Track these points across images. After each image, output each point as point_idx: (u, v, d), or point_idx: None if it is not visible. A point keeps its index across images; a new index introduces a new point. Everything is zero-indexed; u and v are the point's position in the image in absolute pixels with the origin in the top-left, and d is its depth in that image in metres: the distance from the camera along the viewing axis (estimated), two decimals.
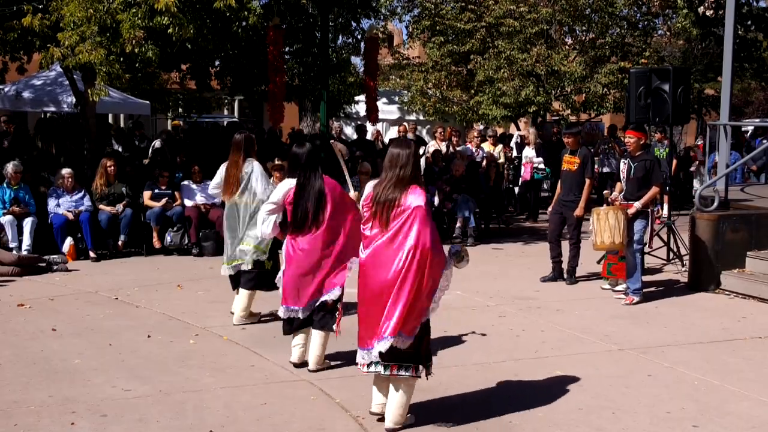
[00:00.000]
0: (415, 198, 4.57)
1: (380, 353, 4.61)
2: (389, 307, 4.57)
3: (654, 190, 8.28)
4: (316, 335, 5.81)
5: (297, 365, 5.89)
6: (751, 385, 5.67)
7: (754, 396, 5.46)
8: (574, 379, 5.69)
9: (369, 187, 4.79)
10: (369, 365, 4.71)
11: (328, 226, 5.63)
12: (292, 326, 5.87)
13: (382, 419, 4.78)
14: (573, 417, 5.00)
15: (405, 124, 18.19)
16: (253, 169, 7.10)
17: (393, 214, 4.58)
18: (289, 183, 5.81)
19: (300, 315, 5.78)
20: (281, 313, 5.88)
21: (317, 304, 5.73)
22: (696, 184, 16.61)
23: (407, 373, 4.66)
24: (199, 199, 11.14)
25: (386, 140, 16.72)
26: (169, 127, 17.09)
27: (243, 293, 7.13)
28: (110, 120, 22.38)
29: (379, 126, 18.36)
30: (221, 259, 7.43)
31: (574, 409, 5.14)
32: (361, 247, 4.78)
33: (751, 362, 6.25)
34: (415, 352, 4.66)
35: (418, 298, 4.57)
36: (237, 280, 7.22)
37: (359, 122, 18.13)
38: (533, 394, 5.39)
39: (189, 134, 17.43)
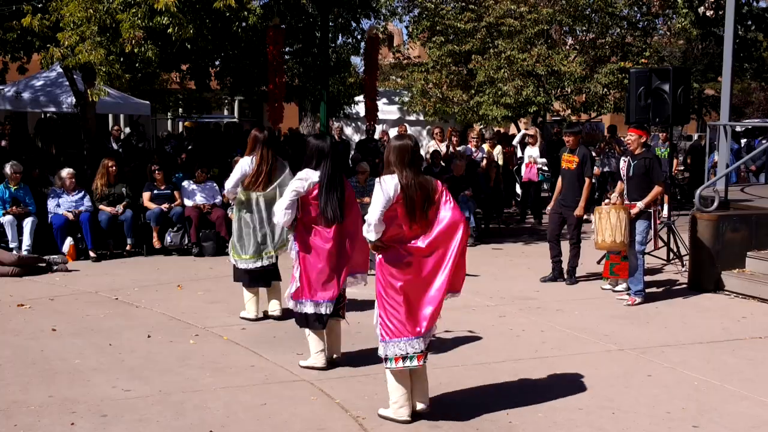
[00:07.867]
0: (437, 181, 4.83)
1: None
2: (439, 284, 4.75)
3: (656, 189, 8.18)
4: (337, 324, 5.98)
5: (325, 368, 5.87)
6: (751, 385, 5.67)
7: (754, 396, 5.46)
8: (574, 379, 5.70)
9: (389, 185, 4.68)
10: (408, 358, 4.73)
11: (350, 220, 5.73)
12: (318, 321, 5.79)
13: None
14: (573, 417, 5.00)
15: (405, 125, 18.20)
16: (288, 168, 7.07)
17: (432, 207, 4.73)
18: (307, 174, 5.69)
19: (325, 310, 5.77)
20: (308, 309, 5.77)
21: (339, 296, 5.90)
22: None
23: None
24: (199, 199, 11.12)
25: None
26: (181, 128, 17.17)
27: (276, 284, 7.25)
28: (110, 120, 22.38)
29: (381, 126, 18.39)
30: (221, 260, 7.42)
31: (574, 409, 5.14)
32: (399, 241, 4.73)
33: (751, 362, 6.25)
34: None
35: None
36: (262, 274, 7.16)
37: (359, 122, 18.15)
38: (533, 394, 5.38)
39: (193, 134, 17.42)
